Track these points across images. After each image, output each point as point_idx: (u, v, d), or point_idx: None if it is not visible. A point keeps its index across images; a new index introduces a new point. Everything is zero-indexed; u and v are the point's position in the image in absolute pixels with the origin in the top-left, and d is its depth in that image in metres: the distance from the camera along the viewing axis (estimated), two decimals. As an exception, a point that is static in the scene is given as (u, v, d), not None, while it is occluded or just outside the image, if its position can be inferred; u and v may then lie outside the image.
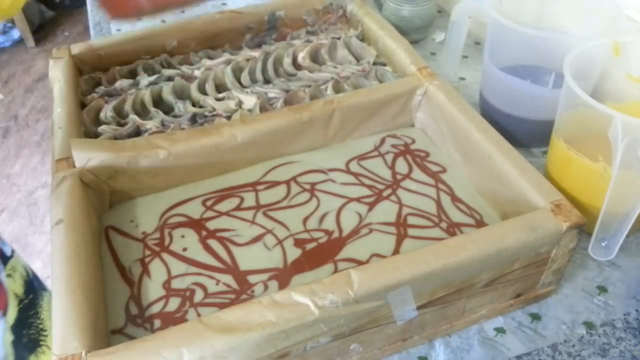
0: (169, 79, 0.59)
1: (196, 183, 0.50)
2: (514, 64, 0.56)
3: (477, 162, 0.48)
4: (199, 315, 0.40)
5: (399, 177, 0.51)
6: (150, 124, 0.52)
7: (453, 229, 0.46)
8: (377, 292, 0.36)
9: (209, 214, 0.48)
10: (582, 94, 0.42)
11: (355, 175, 0.51)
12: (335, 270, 0.43)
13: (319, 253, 0.44)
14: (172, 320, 0.40)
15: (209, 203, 0.49)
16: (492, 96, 0.59)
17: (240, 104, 0.54)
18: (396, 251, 0.44)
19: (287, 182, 0.50)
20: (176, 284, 0.42)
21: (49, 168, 1.19)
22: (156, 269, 0.44)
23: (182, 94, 0.57)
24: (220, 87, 0.58)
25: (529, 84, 0.54)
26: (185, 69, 0.60)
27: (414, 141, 0.55)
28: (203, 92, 0.57)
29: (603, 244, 0.44)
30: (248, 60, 0.60)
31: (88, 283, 0.38)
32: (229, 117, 0.53)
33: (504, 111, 0.57)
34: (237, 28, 0.65)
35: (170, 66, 0.61)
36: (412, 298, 0.37)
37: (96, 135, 0.51)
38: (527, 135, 0.57)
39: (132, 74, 0.61)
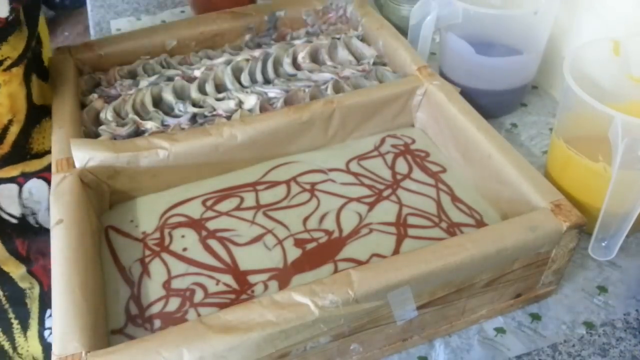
0: (169, 79, 0.59)
1: (196, 183, 0.50)
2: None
3: (477, 162, 0.48)
4: (199, 315, 0.40)
5: (399, 177, 0.51)
6: (150, 124, 0.52)
7: (453, 229, 0.46)
8: (377, 292, 0.36)
9: (209, 214, 0.48)
10: (582, 94, 0.42)
11: (355, 175, 0.51)
12: (336, 270, 0.43)
13: (319, 253, 0.44)
14: (172, 320, 0.40)
15: (209, 203, 0.49)
16: (449, 71, 0.62)
17: (240, 104, 0.54)
18: (396, 251, 0.44)
19: (287, 182, 0.50)
20: (176, 284, 0.42)
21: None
22: (156, 269, 0.44)
23: (182, 94, 0.57)
24: (220, 87, 0.58)
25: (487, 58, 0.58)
26: (185, 69, 0.60)
27: (414, 141, 0.55)
28: (203, 92, 0.57)
29: (603, 244, 0.44)
30: (248, 60, 0.60)
31: (88, 283, 0.38)
32: (229, 117, 0.53)
33: (463, 84, 0.58)
34: (237, 28, 0.65)
35: (170, 66, 0.61)
36: (412, 298, 0.37)
37: (96, 136, 0.51)
38: (491, 106, 0.59)
39: (132, 74, 0.61)
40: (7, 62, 0.46)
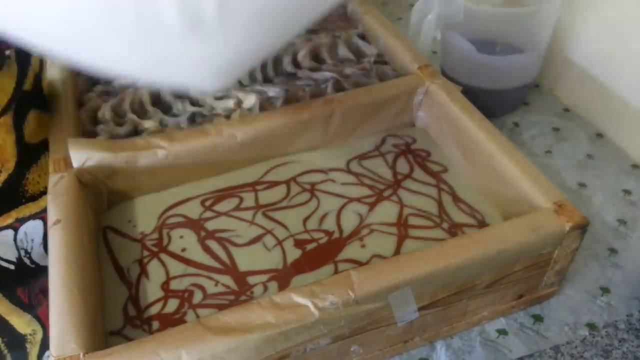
0: (168, 77, 0.58)
1: (195, 183, 0.50)
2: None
3: (478, 162, 0.47)
4: (197, 316, 0.40)
5: (399, 177, 0.50)
6: (148, 124, 0.51)
7: (454, 229, 0.45)
8: (378, 293, 0.35)
9: (208, 214, 0.47)
10: None
11: (356, 175, 0.51)
12: (336, 271, 0.42)
13: (319, 254, 0.44)
14: (170, 321, 0.40)
15: (208, 203, 0.48)
16: (451, 70, 0.61)
17: (239, 103, 0.54)
18: (397, 252, 0.44)
19: (287, 182, 0.50)
20: (175, 285, 0.42)
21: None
22: (154, 269, 0.43)
23: (181, 93, 0.57)
24: (219, 86, 0.57)
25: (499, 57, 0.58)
26: (184, 67, 0.59)
27: (415, 141, 0.54)
28: (202, 91, 0.57)
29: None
30: (247, 59, 0.60)
31: (86, 284, 0.38)
32: (228, 117, 0.53)
33: (465, 83, 0.57)
34: (237, 26, 0.64)
35: (169, 65, 0.61)
36: (413, 299, 0.37)
37: (94, 135, 0.51)
38: (493, 105, 0.59)
39: (131, 73, 0.60)
40: None
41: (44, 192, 0.49)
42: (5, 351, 0.51)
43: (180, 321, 0.39)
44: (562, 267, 0.42)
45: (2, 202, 0.46)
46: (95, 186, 0.46)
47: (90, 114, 0.54)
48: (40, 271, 0.50)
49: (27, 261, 0.49)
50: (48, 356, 0.51)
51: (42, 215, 0.48)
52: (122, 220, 0.47)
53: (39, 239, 0.49)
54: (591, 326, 0.43)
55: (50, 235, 0.40)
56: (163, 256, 0.44)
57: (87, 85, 0.58)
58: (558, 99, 0.64)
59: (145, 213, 0.48)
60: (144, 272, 0.43)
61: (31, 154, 0.48)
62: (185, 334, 0.33)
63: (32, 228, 0.48)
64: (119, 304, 0.41)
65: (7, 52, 0.44)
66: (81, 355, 0.33)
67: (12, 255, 0.48)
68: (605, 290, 0.45)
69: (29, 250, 0.49)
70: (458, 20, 0.56)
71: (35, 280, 0.50)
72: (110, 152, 0.45)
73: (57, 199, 0.42)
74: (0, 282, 0.48)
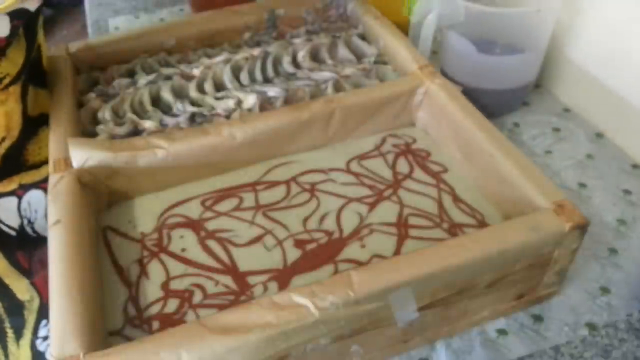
0: (168, 78, 0.58)
1: (195, 183, 0.50)
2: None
3: (479, 162, 0.47)
4: (197, 316, 0.40)
5: (399, 177, 0.50)
6: (148, 124, 0.51)
7: (454, 229, 0.45)
8: (378, 293, 0.35)
9: (208, 214, 0.47)
10: None
11: (356, 175, 0.51)
12: (336, 271, 0.42)
13: (319, 254, 0.44)
14: (170, 321, 0.40)
15: (208, 203, 0.48)
16: (451, 70, 0.61)
17: (239, 103, 0.54)
18: (397, 252, 0.44)
19: (287, 182, 0.50)
20: (175, 285, 0.42)
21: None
22: (154, 269, 0.43)
23: (180, 93, 0.57)
24: (219, 86, 0.57)
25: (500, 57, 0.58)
26: (184, 67, 0.60)
27: (415, 141, 0.54)
28: (202, 91, 0.56)
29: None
30: (247, 59, 0.60)
31: (86, 284, 0.38)
32: (228, 117, 0.53)
33: (465, 83, 0.58)
34: (236, 26, 0.64)
35: (168, 65, 0.61)
36: (413, 299, 0.37)
37: (94, 135, 0.51)
38: (493, 105, 0.59)
39: (131, 73, 0.60)
40: (6, 80, 0.45)
41: (44, 162, 0.50)
42: (4, 316, 0.52)
43: (180, 321, 0.39)
44: (562, 267, 0.42)
45: (5, 167, 0.48)
46: (95, 186, 0.46)
47: (90, 114, 0.54)
48: (42, 241, 0.52)
49: (29, 230, 0.50)
50: (45, 325, 0.52)
51: (44, 185, 0.50)
52: (122, 220, 0.47)
53: (42, 211, 0.50)
54: (591, 326, 0.43)
55: (50, 235, 0.40)
56: (163, 256, 0.44)
57: (87, 86, 0.58)
58: (558, 99, 0.64)
59: (145, 213, 0.48)
60: (144, 272, 0.43)
61: (31, 126, 0.49)
62: (185, 334, 0.33)
63: (36, 198, 0.50)
64: (119, 304, 0.41)
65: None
66: (81, 355, 0.33)
67: (14, 222, 0.49)
68: (605, 290, 0.45)
69: (32, 220, 0.50)
70: (458, 20, 0.56)
71: (35, 249, 0.51)
72: (110, 152, 0.45)
73: (57, 199, 0.42)
74: (1, 242, 0.49)
